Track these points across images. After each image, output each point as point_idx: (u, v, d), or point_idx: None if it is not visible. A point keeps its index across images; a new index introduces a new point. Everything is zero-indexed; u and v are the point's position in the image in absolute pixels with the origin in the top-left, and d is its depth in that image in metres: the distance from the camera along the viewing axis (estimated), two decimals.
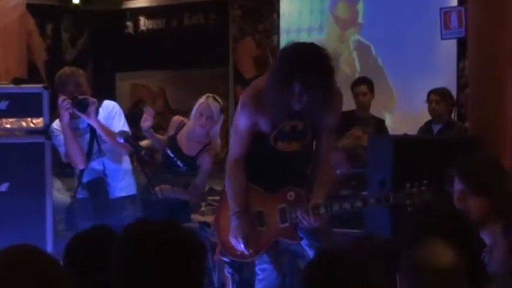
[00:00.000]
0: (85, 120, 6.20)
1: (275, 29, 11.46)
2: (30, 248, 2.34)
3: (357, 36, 10.90)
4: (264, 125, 4.91)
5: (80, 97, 6.12)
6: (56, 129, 6.37)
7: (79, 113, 6.15)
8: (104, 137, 6.22)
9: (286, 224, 4.93)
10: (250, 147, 5.01)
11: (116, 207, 6.24)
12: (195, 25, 12.36)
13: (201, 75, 12.04)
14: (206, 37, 12.10)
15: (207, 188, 8.06)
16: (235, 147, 5.05)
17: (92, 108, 6.12)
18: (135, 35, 12.28)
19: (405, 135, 6.28)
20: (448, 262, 2.78)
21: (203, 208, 7.41)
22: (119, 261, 2.44)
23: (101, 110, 6.34)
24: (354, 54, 10.84)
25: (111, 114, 6.36)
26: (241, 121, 4.97)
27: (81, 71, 6.52)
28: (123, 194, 6.37)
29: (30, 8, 8.15)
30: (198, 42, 12.03)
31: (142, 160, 6.10)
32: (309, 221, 4.82)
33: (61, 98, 6.19)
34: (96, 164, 6.34)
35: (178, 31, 12.35)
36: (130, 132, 6.32)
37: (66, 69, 6.49)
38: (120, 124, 6.31)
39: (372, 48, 10.73)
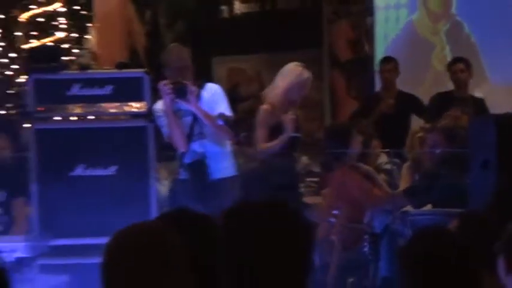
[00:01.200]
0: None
1: (370, 10, 11.33)
2: (158, 226, 2.38)
3: (452, 21, 10.60)
4: None
5: (180, 83, 6.21)
6: (160, 109, 6.48)
7: (179, 99, 6.25)
8: (205, 122, 6.31)
9: None
10: None
11: (216, 188, 6.32)
12: (289, 8, 12.34)
13: (295, 59, 11.97)
14: (300, 20, 12.07)
15: (305, 170, 8.10)
16: None
17: (192, 96, 6.21)
18: (230, 19, 12.32)
19: (508, 113, 6.15)
20: None
21: (302, 189, 7.46)
22: (222, 245, 2.42)
23: (204, 93, 6.42)
24: (447, 49, 10.55)
25: (214, 98, 6.44)
26: None
27: (186, 48, 6.64)
28: (223, 175, 6.44)
29: None
30: (293, 25, 12.01)
31: (241, 143, 6.16)
32: None
33: (162, 82, 6.30)
34: (197, 146, 6.42)
35: (273, 14, 12.35)
36: (232, 116, 6.40)
37: (172, 44, 6.63)
38: (223, 108, 6.38)
39: (465, 25, 10.47)
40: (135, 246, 2.19)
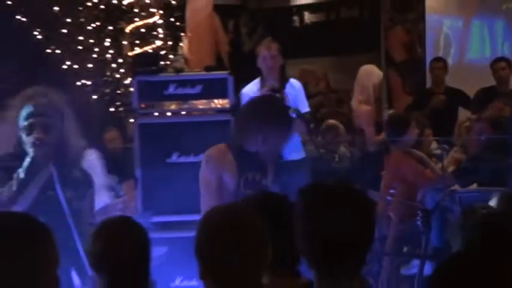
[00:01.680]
0: None
1: (422, 17, 11.18)
2: (241, 207, 2.37)
3: None
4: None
5: (276, 90, 6.13)
6: (246, 94, 6.44)
7: None
8: None
9: None
10: None
11: (286, 168, 6.25)
12: (351, 17, 12.26)
13: (356, 60, 11.95)
14: (360, 27, 11.98)
15: None
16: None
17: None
18: (301, 28, 12.30)
19: None
20: None
21: None
22: (297, 221, 2.36)
23: (289, 87, 6.35)
24: None
25: (296, 93, 6.37)
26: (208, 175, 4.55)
27: (276, 43, 6.59)
28: (294, 158, 6.36)
29: (215, 8, 8.31)
30: (354, 32, 11.93)
31: (311, 134, 6.08)
32: None
33: (263, 90, 6.26)
34: None
35: (337, 23, 12.28)
36: (309, 111, 6.33)
37: (266, 39, 6.59)
38: (302, 103, 6.30)
39: None
40: (222, 224, 2.24)
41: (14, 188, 4.23)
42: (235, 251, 2.18)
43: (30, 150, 4.29)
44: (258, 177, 4.54)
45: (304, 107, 6.35)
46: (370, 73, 7.15)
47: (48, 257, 1.96)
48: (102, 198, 5.58)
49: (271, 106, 4.60)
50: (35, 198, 4.26)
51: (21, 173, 4.26)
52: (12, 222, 1.95)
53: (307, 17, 12.58)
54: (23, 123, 4.35)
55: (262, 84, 6.39)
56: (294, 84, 6.46)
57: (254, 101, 4.84)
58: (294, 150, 6.38)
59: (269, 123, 4.38)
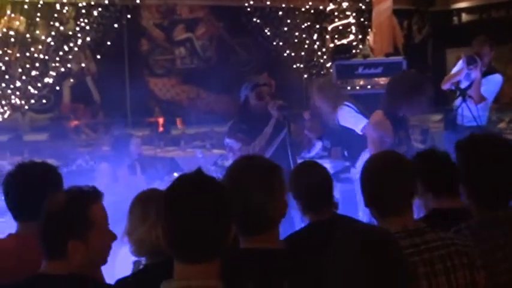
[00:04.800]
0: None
1: None
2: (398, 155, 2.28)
3: None
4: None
5: (472, 57, 5.71)
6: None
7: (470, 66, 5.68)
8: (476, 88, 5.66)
9: None
10: None
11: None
12: (499, 17, 11.43)
13: (503, 50, 11.19)
14: (507, 24, 11.15)
15: None
16: None
17: (476, 66, 5.64)
18: (459, 25, 11.66)
19: None
20: None
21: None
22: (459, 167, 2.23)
23: (488, 77, 5.85)
24: None
25: (490, 83, 5.83)
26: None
27: (483, 39, 6.03)
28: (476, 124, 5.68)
29: (394, 11, 8.09)
30: (502, 27, 11.13)
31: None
32: None
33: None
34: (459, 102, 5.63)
35: (488, 21, 11.51)
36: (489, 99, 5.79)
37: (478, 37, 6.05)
38: (490, 91, 5.78)
39: None
40: (377, 164, 2.11)
41: (263, 142, 4.29)
42: (388, 182, 2.03)
43: (275, 113, 4.28)
44: (404, 136, 4.29)
45: (489, 95, 5.73)
46: None
47: (282, 186, 2.04)
48: None
49: (412, 80, 4.20)
50: (275, 150, 4.33)
51: (268, 130, 4.30)
52: (263, 163, 2.07)
53: (464, 17, 11.89)
54: (251, 92, 4.33)
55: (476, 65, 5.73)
56: (492, 77, 5.86)
57: (399, 77, 4.52)
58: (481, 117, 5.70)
59: (409, 93, 4.10)
